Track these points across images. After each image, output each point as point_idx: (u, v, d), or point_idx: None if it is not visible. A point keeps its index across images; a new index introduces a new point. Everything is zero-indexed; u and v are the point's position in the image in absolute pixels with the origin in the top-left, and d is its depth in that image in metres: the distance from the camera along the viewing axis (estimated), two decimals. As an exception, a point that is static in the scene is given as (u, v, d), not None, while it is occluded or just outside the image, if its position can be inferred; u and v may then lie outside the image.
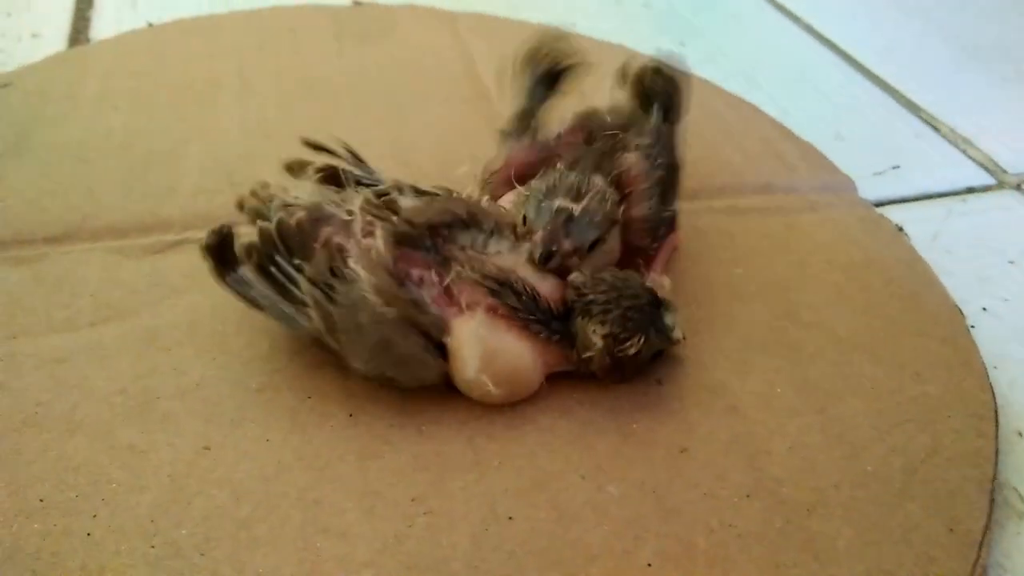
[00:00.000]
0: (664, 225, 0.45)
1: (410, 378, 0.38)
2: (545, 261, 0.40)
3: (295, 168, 0.44)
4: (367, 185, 0.42)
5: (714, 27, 0.82)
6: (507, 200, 0.44)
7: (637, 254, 0.44)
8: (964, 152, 0.64)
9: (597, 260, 0.42)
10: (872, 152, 0.63)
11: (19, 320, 0.43)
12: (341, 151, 0.44)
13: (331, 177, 0.43)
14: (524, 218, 0.41)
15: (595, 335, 0.38)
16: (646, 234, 0.44)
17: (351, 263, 0.38)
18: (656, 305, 0.39)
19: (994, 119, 0.68)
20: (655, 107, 0.47)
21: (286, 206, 0.40)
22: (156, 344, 0.42)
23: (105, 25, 0.73)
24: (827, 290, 0.48)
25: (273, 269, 0.39)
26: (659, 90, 0.48)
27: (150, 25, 0.72)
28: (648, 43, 0.72)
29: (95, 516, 0.35)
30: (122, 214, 0.50)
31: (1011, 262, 0.53)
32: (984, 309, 0.49)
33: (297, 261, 0.38)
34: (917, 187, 0.60)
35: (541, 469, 0.37)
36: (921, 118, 0.69)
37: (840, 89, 0.72)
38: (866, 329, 0.46)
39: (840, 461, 0.39)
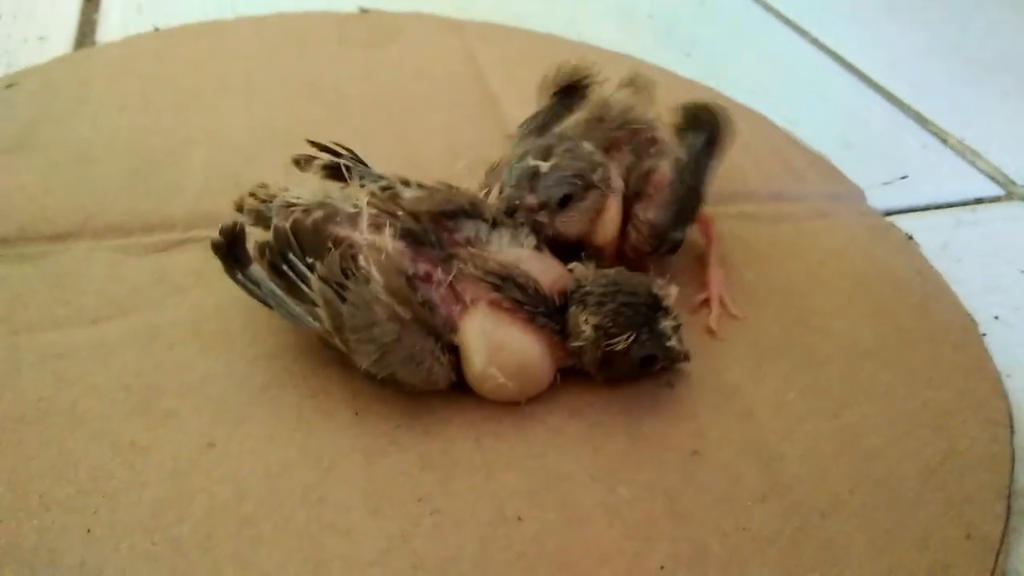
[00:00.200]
0: (669, 244, 0.45)
1: (420, 380, 0.38)
2: (509, 215, 0.41)
3: (302, 162, 0.43)
4: (371, 179, 0.42)
5: (719, 39, 0.81)
6: None
7: (636, 260, 0.44)
8: (972, 163, 0.64)
9: (573, 219, 0.42)
10: (880, 163, 0.63)
11: (21, 316, 0.43)
12: (344, 152, 0.44)
13: (334, 173, 0.42)
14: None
15: (585, 324, 0.38)
16: (649, 241, 0.44)
17: (362, 261, 0.37)
18: (655, 308, 0.38)
19: (1002, 132, 0.68)
20: (697, 133, 0.47)
21: (287, 206, 0.40)
22: (159, 341, 0.42)
23: (111, 29, 0.72)
24: (838, 296, 0.48)
25: (285, 267, 0.38)
26: (705, 121, 0.48)
27: (156, 29, 0.72)
28: (653, 54, 0.73)
29: (95, 512, 0.34)
30: (126, 213, 0.50)
31: (1022, 271, 0.53)
32: (996, 318, 0.49)
33: (310, 260, 0.38)
34: (925, 197, 0.60)
35: (550, 470, 0.37)
36: (929, 130, 0.68)
37: (847, 101, 0.72)
38: (877, 335, 0.45)
39: (854, 466, 0.38)
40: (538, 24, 0.77)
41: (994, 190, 0.61)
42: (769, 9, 0.89)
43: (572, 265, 0.41)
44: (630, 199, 0.44)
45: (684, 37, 0.81)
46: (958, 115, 0.70)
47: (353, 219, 0.39)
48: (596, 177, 0.42)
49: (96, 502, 0.34)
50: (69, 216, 0.49)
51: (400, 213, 0.39)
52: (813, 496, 0.37)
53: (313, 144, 0.44)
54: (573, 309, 0.38)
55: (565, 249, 0.42)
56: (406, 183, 0.42)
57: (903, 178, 0.61)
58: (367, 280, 0.37)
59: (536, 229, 0.41)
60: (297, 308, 0.38)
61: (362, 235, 0.38)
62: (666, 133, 0.47)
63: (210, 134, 0.57)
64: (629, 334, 0.38)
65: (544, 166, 0.41)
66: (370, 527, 0.34)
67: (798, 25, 0.85)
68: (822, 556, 0.34)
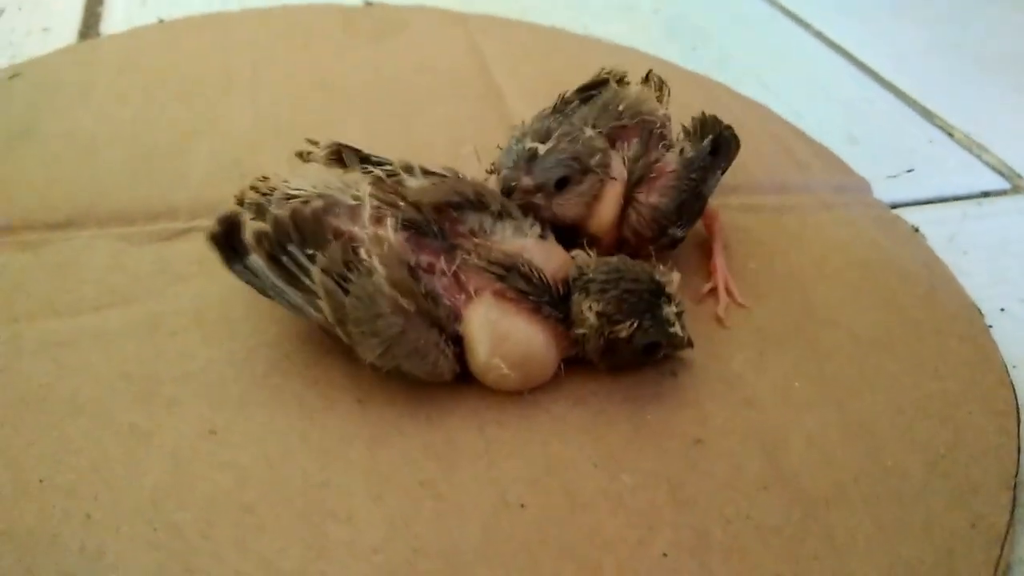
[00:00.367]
0: (669, 238, 0.45)
1: (425, 372, 0.37)
2: (506, 196, 0.41)
3: (304, 156, 0.43)
4: (374, 164, 0.41)
5: (725, 33, 0.81)
6: None
7: (635, 246, 0.44)
8: (979, 157, 0.64)
9: (570, 203, 0.42)
10: (886, 156, 0.63)
11: (22, 304, 0.42)
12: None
13: (337, 158, 0.42)
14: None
15: (588, 311, 0.37)
16: (650, 225, 0.44)
17: (363, 254, 0.37)
18: (657, 295, 0.38)
19: (1009, 126, 0.68)
20: (709, 139, 0.46)
21: (287, 198, 0.40)
22: (161, 330, 0.41)
23: (115, 21, 0.72)
24: (843, 287, 0.47)
25: (284, 258, 0.38)
26: (713, 129, 0.47)
27: (161, 21, 0.72)
28: (659, 48, 0.73)
29: (96, 498, 0.34)
30: (129, 202, 0.49)
31: (1028, 264, 0.53)
32: (1002, 310, 0.48)
33: (310, 251, 0.38)
34: (932, 191, 0.59)
35: (553, 457, 0.37)
36: (935, 124, 0.68)
37: (852, 95, 0.72)
38: (883, 326, 0.45)
39: (859, 455, 0.38)
40: (543, 17, 0.77)
41: (1001, 184, 0.61)
42: (775, 4, 0.88)
43: (575, 252, 0.40)
44: (633, 187, 0.44)
45: (690, 31, 0.81)
46: (964, 110, 0.70)
47: (354, 211, 0.39)
48: (594, 162, 0.42)
49: (96, 488, 0.34)
50: (71, 205, 0.49)
51: (402, 203, 0.39)
52: (817, 485, 0.36)
53: (313, 143, 0.43)
54: (576, 297, 0.38)
55: (561, 235, 0.42)
56: (410, 170, 0.42)
57: (909, 171, 0.61)
58: (370, 272, 0.36)
59: (529, 212, 0.41)
60: (298, 299, 0.38)
61: (364, 228, 0.38)
62: (674, 132, 0.47)
63: (214, 125, 0.57)
64: (632, 321, 0.37)
65: (542, 148, 0.41)
66: (372, 513, 0.34)
67: (804, 20, 0.85)
68: (825, 545, 0.34)
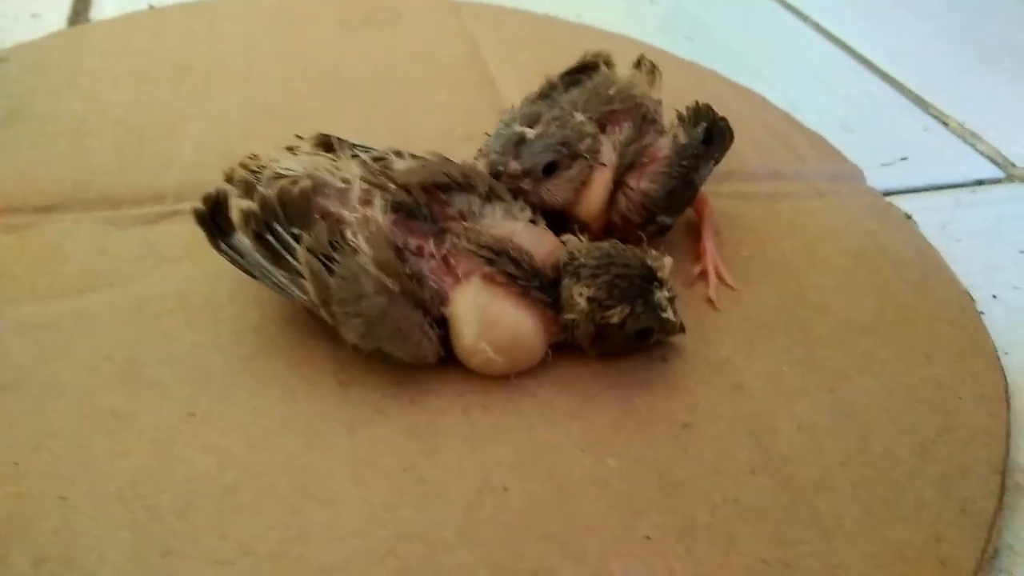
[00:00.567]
0: (658, 226, 0.44)
1: (407, 354, 0.37)
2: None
3: (292, 150, 0.43)
4: (362, 150, 0.41)
5: (721, 23, 0.81)
6: None
7: (624, 231, 0.43)
8: (973, 146, 0.63)
9: (558, 188, 0.42)
10: (880, 145, 0.62)
11: (4, 287, 0.42)
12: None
13: (325, 144, 0.42)
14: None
15: (579, 297, 0.37)
16: (639, 211, 0.43)
17: (350, 234, 0.37)
18: (649, 280, 0.38)
19: (1003, 115, 0.67)
20: (703, 127, 0.46)
21: (277, 178, 0.39)
22: (144, 312, 0.41)
23: (106, 7, 0.72)
24: (835, 273, 0.47)
25: (270, 237, 0.38)
26: (706, 117, 0.47)
27: (152, 8, 0.71)
28: (654, 37, 0.72)
29: (72, 480, 0.33)
30: (115, 185, 0.49)
31: (1021, 252, 0.52)
32: (994, 297, 0.48)
33: (296, 230, 0.37)
34: (925, 178, 0.59)
35: (539, 441, 0.36)
36: (930, 113, 0.68)
37: (848, 84, 0.72)
38: (875, 312, 0.44)
39: (849, 440, 0.37)
40: (537, 5, 0.76)
41: (995, 172, 0.60)
42: (770, -6, 0.88)
43: (565, 237, 0.40)
44: (623, 172, 0.43)
45: (686, 21, 0.80)
46: (959, 99, 0.69)
47: (342, 193, 0.39)
48: (583, 147, 0.42)
49: (74, 470, 0.34)
50: (57, 188, 0.48)
51: (391, 186, 0.39)
52: (806, 470, 0.36)
53: (299, 137, 0.43)
54: (566, 282, 0.38)
55: (551, 220, 0.41)
56: (399, 154, 0.41)
57: (903, 159, 0.61)
58: (355, 252, 0.36)
59: (518, 196, 0.41)
60: (283, 279, 0.38)
61: (352, 210, 0.38)
62: (666, 120, 0.47)
63: (204, 110, 0.57)
64: (624, 306, 0.37)
65: (530, 133, 0.41)
66: (353, 496, 0.33)
67: (799, 10, 0.85)
68: (813, 529, 0.34)
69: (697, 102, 0.47)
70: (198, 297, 0.42)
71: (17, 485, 0.33)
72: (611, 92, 0.45)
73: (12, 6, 0.71)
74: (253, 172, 0.40)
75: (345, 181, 0.39)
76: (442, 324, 0.38)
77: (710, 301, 0.44)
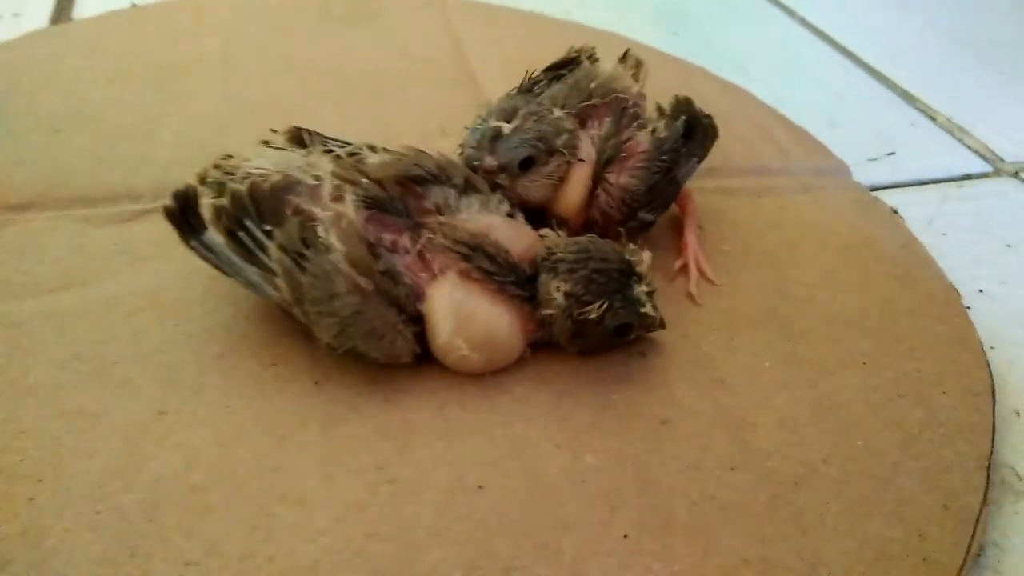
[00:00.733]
0: (638, 222, 0.44)
1: (381, 353, 0.36)
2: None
3: (267, 144, 0.42)
4: (336, 145, 0.40)
5: (707, 19, 0.80)
6: None
7: (604, 227, 0.43)
8: (960, 141, 0.63)
9: (535, 184, 0.41)
10: (866, 140, 0.62)
11: (-25, 286, 0.41)
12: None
13: (298, 139, 0.41)
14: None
15: (556, 292, 0.36)
16: (619, 207, 0.43)
17: (321, 231, 0.36)
18: (627, 275, 0.37)
19: (991, 110, 0.67)
20: (682, 120, 0.45)
21: (249, 177, 0.39)
22: (117, 310, 0.40)
23: (89, 6, 0.71)
24: (819, 268, 0.46)
25: (242, 234, 0.37)
26: (692, 117, 0.46)
27: (134, 6, 0.70)
28: (640, 33, 0.72)
29: (40, 481, 0.33)
30: (91, 184, 0.48)
31: (1008, 246, 0.52)
32: (981, 291, 0.48)
33: (267, 227, 0.37)
34: (912, 173, 0.59)
35: (515, 438, 0.36)
36: (917, 108, 0.67)
37: (834, 79, 0.71)
38: (859, 306, 0.44)
39: (830, 435, 0.37)
40: (525, 3, 0.76)
41: (982, 166, 0.60)
42: (758, -10, 0.88)
43: (543, 232, 0.39)
44: (603, 167, 0.43)
45: (672, 17, 0.80)
46: (947, 94, 0.69)
47: (314, 191, 0.38)
48: (560, 142, 0.41)
49: (41, 470, 0.33)
50: (32, 186, 0.48)
51: (364, 181, 0.38)
52: (787, 465, 0.35)
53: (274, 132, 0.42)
54: (544, 277, 0.37)
55: (530, 214, 0.41)
56: (373, 149, 0.41)
57: (890, 154, 0.60)
58: (327, 250, 0.35)
59: (496, 189, 0.40)
60: (255, 276, 0.37)
61: (324, 207, 0.37)
62: (648, 112, 0.46)
63: (182, 107, 0.56)
64: (602, 302, 0.36)
65: (506, 127, 0.40)
66: (324, 496, 0.33)
67: (785, 5, 0.85)
68: (794, 525, 0.33)
69: (677, 96, 0.46)
70: (171, 295, 0.41)
71: (-17, 486, 0.32)
72: (591, 86, 0.45)
73: (-7, 6, 0.71)
74: (226, 173, 0.40)
75: (316, 178, 0.38)
76: (418, 321, 0.37)
77: (691, 296, 0.43)
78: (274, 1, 0.72)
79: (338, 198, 0.37)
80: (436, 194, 0.39)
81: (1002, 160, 0.61)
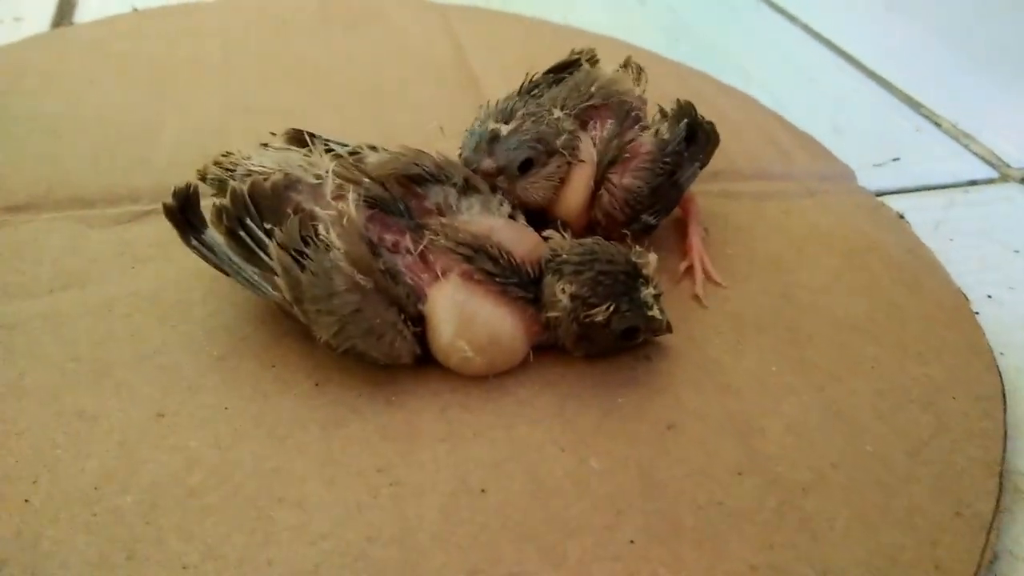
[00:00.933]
0: (641, 224, 0.43)
1: (380, 353, 0.36)
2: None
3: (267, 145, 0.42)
4: (337, 145, 0.40)
5: (709, 25, 0.80)
6: None
7: (607, 229, 0.42)
8: (966, 147, 0.63)
9: (535, 186, 0.41)
10: (871, 145, 0.61)
11: (-26, 287, 0.41)
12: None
13: (298, 140, 0.41)
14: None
15: (562, 293, 0.36)
16: (624, 210, 0.42)
17: (322, 230, 0.35)
18: (634, 277, 0.37)
19: (997, 116, 0.66)
20: (684, 123, 0.44)
21: (250, 174, 0.38)
22: (115, 312, 0.40)
23: (90, 11, 0.71)
24: (825, 273, 0.46)
25: (242, 233, 0.37)
26: (694, 120, 0.45)
27: (135, 10, 0.70)
28: (642, 39, 0.71)
29: (35, 482, 0.32)
30: (90, 185, 0.48)
31: (1016, 251, 0.51)
32: (989, 296, 0.47)
33: (268, 225, 0.36)
34: (918, 179, 0.58)
35: (518, 441, 0.35)
36: (921, 114, 0.67)
37: (838, 85, 0.71)
38: (866, 311, 0.43)
39: (839, 441, 0.36)
40: (526, 9, 0.76)
41: (988, 172, 0.60)
42: (761, -3, 0.88)
43: (548, 233, 0.39)
44: (605, 168, 0.42)
45: (674, 23, 0.80)
46: (952, 100, 0.69)
47: (315, 189, 0.38)
48: (560, 143, 0.41)
49: (37, 472, 0.32)
50: (31, 188, 0.47)
51: (365, 181, 0.37)
52: (795, 471, 0.35)
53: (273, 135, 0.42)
54: (549, 278, 0.37)
55: (533, 216, 0.40)
56: (373, 149, 0.40)
57: (895, 160, 0.60)
58: (327, 248, 0.35)
59: (496, 191, 0.40)
60: (255, 275, 0.37)
61: (325, 205, 0.37)
62: (649, 115, 0.46)
63: (182, 110, 0.56)
64: (608, 304, 0.36)
65: (504, 129, 0.40)
66: (324, 498, 0.32)
67: (788, 12, 0.84)
68: (802, 532, 0.32)
69: (679, 100, 0.46)
70: (170, 297, 0.41)
71: (-24, 487, 0.32)
72: (592, 88, 0.44)
73: (-5, 9, 0.70)
74: (226, 170, 0.40)
75: (317, 176, 0.38)
76: (419, 322, 0.36)
77: (697, 298, 0.43)
78: (274, 5, 0.71)
79: (339, 197, 0.37)
80: (436, 194, 0.38)
81: (1008, 166, 0.60)
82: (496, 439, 0.35)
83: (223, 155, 0.41)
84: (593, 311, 0.36)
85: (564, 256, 0.37)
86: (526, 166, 0.40)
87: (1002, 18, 0.86)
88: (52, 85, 0.57)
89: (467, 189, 0.38)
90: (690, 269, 0.44)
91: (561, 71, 0.47)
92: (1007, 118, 0.66)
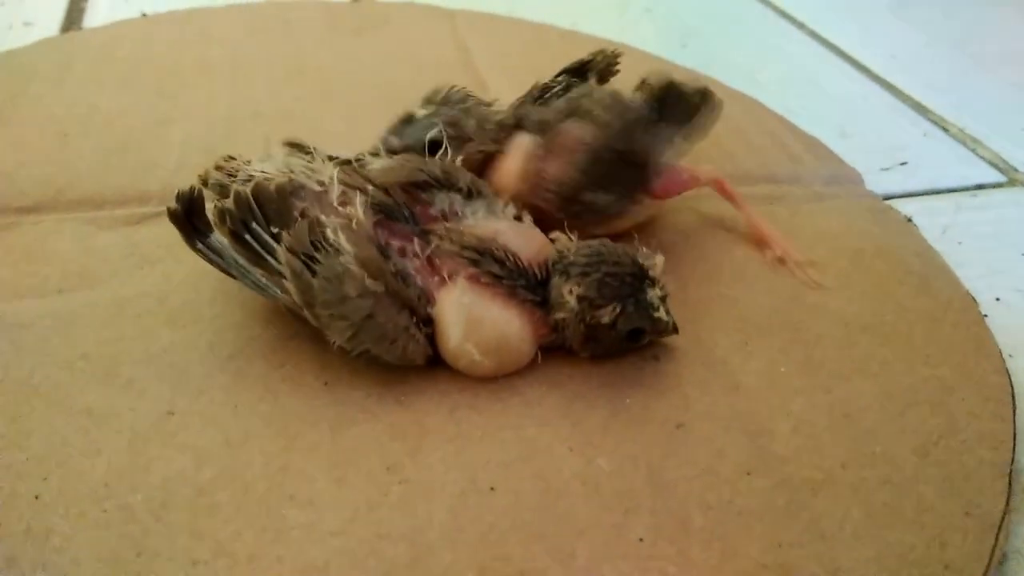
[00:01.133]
0: (581, 205, 0.42)
1: (394, 356, 0.36)
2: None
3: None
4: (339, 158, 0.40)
5: (716, 31, 0.80)
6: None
7: (546, 222, 0.41)
8: (973, 151, 0.62)
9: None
10: (878, 150, 0.61)
11: (-17, 287, 0.41)
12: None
13: (300, 146, 0.41)
14: None
15: (569, 295, 0.36)
16: (554, 202, 0.41)
17: (331, 234, 0.35)
18: (640, 278, 0.37)
19: (1004, 121, 0.66)
20: (644, 95, 0.44)
21: (252, 179, 0.38)
22: (125, 312, 0.40)
23: (99, 16, 0.72)
24: (833, 275, 0.46)
25: (248, 237, 0.36)
26: (667, 92, 0.45)
27: (144, 15, 0.71)
28: (649, 45, 0.72)
29: (45, 479, 0.32)
30: (99, 187, 0.48)
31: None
32: (997, 299, 0.47)
33: (275, 229, 0.36)
34: (925, 183, 0.58)
35: (527, 441, 0.35)
36: (929, 118, 0.67)
37: (845, 90, 0.71)
38: (874, 313, 0.43)
39: (848, 441, 0.36)
40: (534, 15, 0.76)
41: (996, 176, 0.60)
42: (766, 3, 0.88)
43: (554, 235, 0.39)
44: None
45: (681, 28, 0.80)
46: (959, 105, 0.69)
47: (319, 196, 0.38)
48: (472, 129, 0.40)
49: (47, 469, 0.32)
50: (40, 189, 0.48)
51: (370, 187, 0.38)
52: (804, 471, 0.35)
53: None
54: (556, 280, 0.37)
55: (539, 221, 0.40)
56: (375, 154, 0.41)
57: (902, 164, 0.60)
58: (337, 252, 0.35)
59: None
60: (263, 279, 0.37)
61: (330, 212, 0.37)
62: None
63: (191, 113, 0.56)
64: (614, 305, 0.36)
65: (420, 112, 0.40)
66: (334, 497, 0.32)
67: (795, 18, 0.84)
68: (811, 531, 0.32)
69: (644, 79, 0.45)
70: (179, 297, 0.41)
71: (-14, 484, 0.32)
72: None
73: (5, 14, 0.71)
74: (228, 175, 0.40)
75: (321, 183, 0.38)
76: (430, 323, 0.37)
77: (815, 282, 0.44)
78: (282, 10, 0.72)
79: (345, 203, 0.37)
80: (442, 200, 0.38)
81: (1016, 170, 0.60)
82: (505, 439, 0.35)
83: (225, 160, 0.41)
84: (599, 312, 0.36)
85: (571, 258, 0.37)
86: (433, 148, 0.40)
87: (1009, 22, 0.86)
88: (62, 89, 0.58)
89: (472, 194, 0.39)
90: (781, 260, 0.45)
91: (576, 73, 0.46)
92: (1015, 123, 0.66)
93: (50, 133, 0.53)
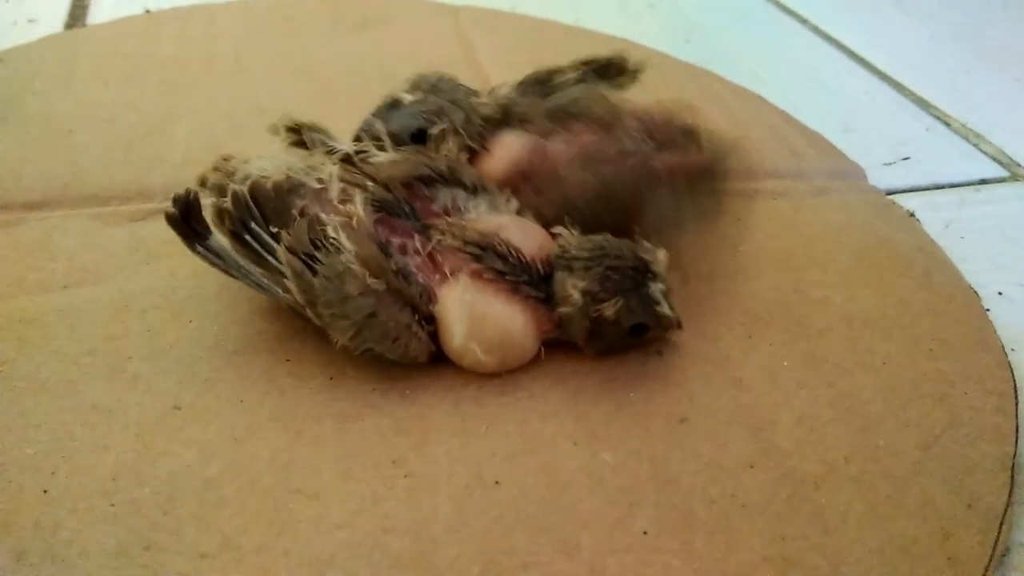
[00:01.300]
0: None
1: (397, 354, 0.36)
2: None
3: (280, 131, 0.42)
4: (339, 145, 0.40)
5: (719, 26, 0.80)
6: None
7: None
8: (976, 146, 0.63)
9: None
10: (881, 144, 0.61)
11: (-10, 282, 0.41)
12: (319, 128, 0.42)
13: (297, 141, 0.41)
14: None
15: (573, 289, 0.36)
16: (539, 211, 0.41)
17: (331, 232, 0.35)
18: (642, 272, 0.37)
19: (1007, 116, 0.66)
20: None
21: (250, 177, 0.38)
22: (130, 307, 0.40)
23: (103, 13, 0.72)
24: (836, 269, 0.46)
25: (248, 237, 0.36)
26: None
27: (147, 12, 0.71)
28: (652, 41, 0.72)
29: (53, 473, 0.32)
30: (104, 183, 0.49)
31: (1027, 249, 0.51)
32: (1000, 294, 0.47)
33: (274, 229, 0.36)
34: (928, 178, 0.58)
35: (531, 435, 0.35)
36: (931, 113, 0.67)
37: (848, 85, 0.71)
38: (877, 307, 0.43)
39: (850, 435, 0.36)
40: (537, 10, 0.76)
41: (998, 171, 0.60)
42: (770, -1, 0.88)
43: (556, 229, 0.39)
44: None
45: (684, 24, 0.80)
46: (962, 100, 0.69)
47: (319, 194, 0.38)
48: (459, 121, 0.40)
49: (55, 463, 0.33)
50: (46, 185, 0.48)
51: (370, 184, 0.38)
52: (806, 464, 0.35)
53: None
54: (559, 275, 0.37)
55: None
56: (380, 147, 0.40)
57: (905, 159, 0.60)
58: (338, 250, 0.35)
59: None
60: (265, 279, 0.37)
61: (330, 210, 0.37)
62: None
63: (195, 110, 0.56)
64: (617, 299, 0.36)
65: (406, 98, 0.39)
66: (340, 490, 0.32)
67: (798, 13, 0.84)
68: (814, 524, 0.32)
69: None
70: (185, 292, 0.41)
71: (-3, 479, 0.32)
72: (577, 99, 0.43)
73: (9, 11, 0.71)
74: (228, 175, 0.40)
75: (320, 180, 0.38)
76: (432, 321, 0.37)
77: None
78: (285, 6, 0.72)
79: (345, 200, 0.37)
80: (444, 195, 0.38)
81: (1018, 165, 0.60)
82: (509, 433, 0.35)
83: (222, 160, 0.41)
84: (602, 305, 0.36)
85: (574, 252, 0.37)
86: (419, 138, 0.40)
87: (1012, 17, 0.86)
88: (66, 85, 0.58)
89: (476, 190, 0.39)
90: None
91: (596, 67, 0.46)
92: (1018, 118, 0.66)
93: (55, 130, 0.53)
